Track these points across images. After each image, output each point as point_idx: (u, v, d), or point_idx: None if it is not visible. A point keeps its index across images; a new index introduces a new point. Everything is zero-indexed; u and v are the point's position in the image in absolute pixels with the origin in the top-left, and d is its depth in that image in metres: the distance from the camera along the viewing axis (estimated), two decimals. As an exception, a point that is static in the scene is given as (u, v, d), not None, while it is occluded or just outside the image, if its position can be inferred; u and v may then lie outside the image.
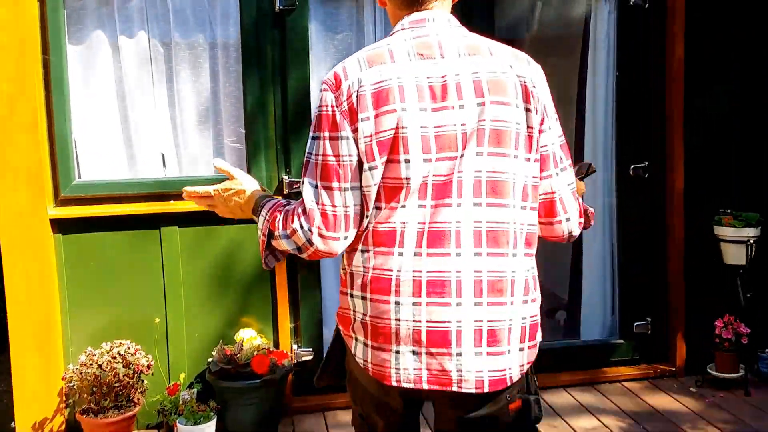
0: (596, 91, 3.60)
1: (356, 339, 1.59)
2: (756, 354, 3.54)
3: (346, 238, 1.54)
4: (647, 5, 3.45)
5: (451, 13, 1.61)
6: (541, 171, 1.57)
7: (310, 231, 1.53)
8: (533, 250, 1.60)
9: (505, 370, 1.53)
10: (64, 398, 3.11)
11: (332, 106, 1.52)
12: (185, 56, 3.29)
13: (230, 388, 3.08)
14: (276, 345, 3.34)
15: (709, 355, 3.49)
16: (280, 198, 1.68)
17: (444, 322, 1.51)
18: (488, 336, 1.52)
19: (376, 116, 1.49)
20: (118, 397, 3.02)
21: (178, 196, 3.20)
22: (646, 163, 3.55)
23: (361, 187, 1.52)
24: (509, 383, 1.55)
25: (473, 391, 1.52)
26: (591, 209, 1.74)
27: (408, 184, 1.49)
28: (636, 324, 3.62)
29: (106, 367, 2.99)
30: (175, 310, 3.26)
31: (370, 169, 1.50)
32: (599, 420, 3.22)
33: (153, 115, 3.30)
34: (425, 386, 1.53)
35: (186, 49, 3.28)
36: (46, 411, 3.11)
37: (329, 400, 3.38)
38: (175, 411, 3.03)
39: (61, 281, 3.16)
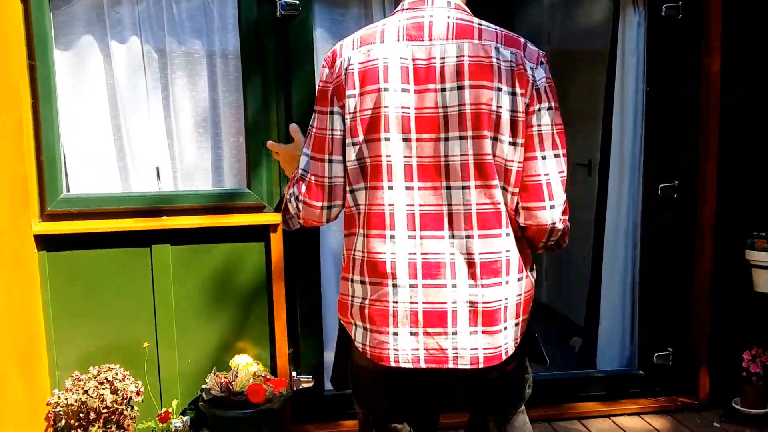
0: (624, 106, 3.36)
1: (355, 324, 1.64)
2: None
3: (329, 207, 1.64)
4: (680, 16, 3.22)
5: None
6: (527, 152, 1.56)
7: (298, 199, 1.66)
8: (521, 232, 1.63)
9: (500, 346, 1.59)
10: (51, 422, 2.93)
11: (327, 82, 1.61)
12: (181, 64, 3.09)
13: (224, 417, 2.89)
14: (273, 371, 3.15)
15: (735, 388, 3.27)
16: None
17: (440, 303, 1.56)
18: (483, 316, 1.56)
19: (361, 94, 1.55)
20: (107, 423, 2.85)
21: (172, 212, 3.04)
22: (676, 182, 3.32)
23: (344, 161, 1.59)
24: (504, 358, 1.60)
25: (468, 367, 1.58)
26: (568, 225, 1.70)
27: (389, 162, 1.55)
28: (657, 354, 3.39)
29: (93, 394, 2.82)
30: (167, 333, 3.07)
31: (353, 144, 1.57)
32: (617, 458, 3.02)
33: (147, 125, 3.11)
34: (423, 365, 1.58)
35: (182, 56, 3.09)
36: (30, 438, 2.93)
37: (331, 429, 3.18)
38: (166, 441, 2.85)
39: (46, 301, 2.98)
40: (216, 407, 2.91)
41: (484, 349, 1.57)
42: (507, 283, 1.58)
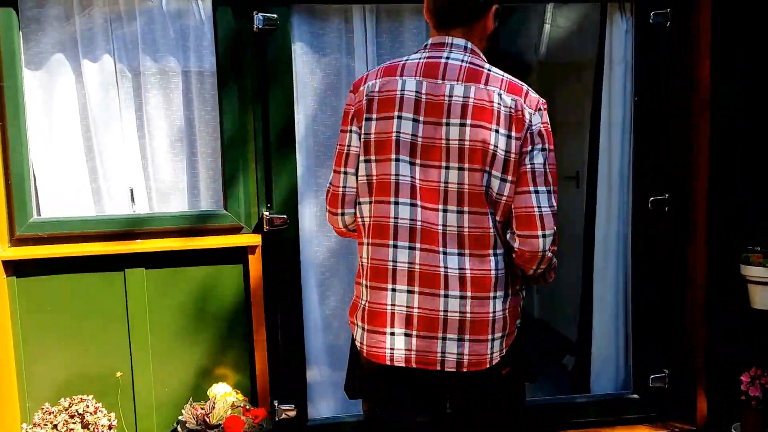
0: (612, 117, 3.25)
1: (357, 325, 1.84)
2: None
3: (343, 214, 1.87)
4: (669, 23, 3.12)
5: (484, 40, 1.85)
6: (520, 186, 1.74)
7: (325, 207, 1.96)
8: (506, 250, 1.79)
9: (485, 355, 1.76)
10: (22, 455, 2.81)
11: (350, 105, 1.84)
12: (156, 82, 2.98)
13: (201, 449, 2.77)
14: (254, 399, 3.02)
15: (734, 412, 3.14)
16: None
17: (433, 310, 1.75)
18: (471, 326, 1.74)
19: (378, 119, 1.78)
20: (79, 456, 2.72)
21: (147, 235, 2.93)
22: (667, 195, 3.21)
23: (357, 174, 1.82)
24: (488, 365, 1.77)
25: (453, 370, 1.76)
26: (555, 261, 1.90)
27: (397, 180, 1.76)
28: (652, 377, 3.27)
29: (62, 429, 2.70)
30: (142, 361, 2.94)
31: (366, 161, 1.79)
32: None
33: (120, 145, 3.00)
34: (414, 365, 1.76)
35: (157, 74, 2.98)
36: (-4, 475, 2.80)
37: (313, 460, 3.06)
38: (139, 477, 2.72)
39: (16, 329, 2.86)
40: (193, 439, 2.78)
41: (469, 355, 1.75)
42: (495, 298, 1.75)
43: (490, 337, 1.75)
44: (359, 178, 1.81)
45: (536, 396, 3.34)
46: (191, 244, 2.93)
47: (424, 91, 1.75)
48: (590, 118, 3.41)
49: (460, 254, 1.73)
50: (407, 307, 1.75)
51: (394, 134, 1.75)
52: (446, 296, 1.73)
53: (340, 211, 1.86)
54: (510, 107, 1.72)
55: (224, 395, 2.86)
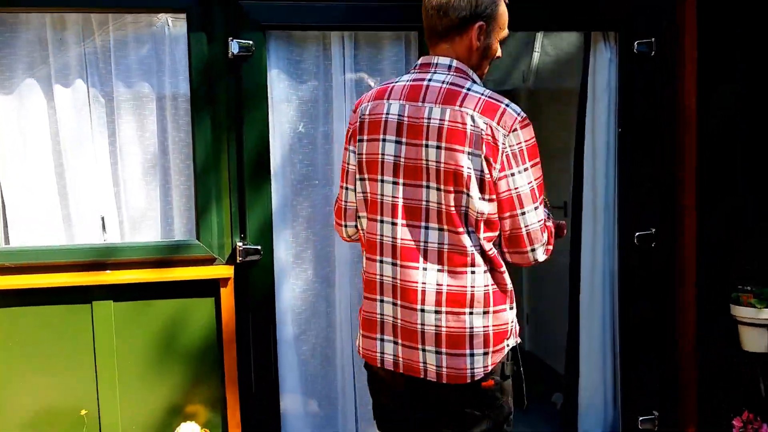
0: (596, 148, 3.15)
1: (359, 330, 1.97)
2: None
3: (346, 226, 2.02)
4: (653, 53, 3.04)
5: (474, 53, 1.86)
6: (505, 211, 1.80)
7: (334, 217, 2.10)
8: (492, 268, 1.84)
9: (464, 369, 1.80)
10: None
11: (351, 124, 1.95)
12: (129, 108, 2.91)
13: (167, 491, 2.65)
14: (225, 437, 2.91)
15: (727, 457, 3.01)
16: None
17: (412, 323, 1.83)
18: (447, 339, 1.80)
19: (368, 140, 1.88)
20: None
21: (116, 265, 2.84)
22: (653, 230, 3.11)
23: (355, 190, 1.94)
24: (469, 380, 1.80)
25: (434, 380, 1.83)
26: (563, 221, 2.03)
27: (381, 200, 1.85)
28: (641, 419, 3.14)
29: (21, 468, 2.59)
30: (109, 398, 2.84)
31: (360, 179, 1.91)
32: None
33: (92, 172, 2.92)
34: (401, 370, 1.86)
35: (131, 100, 2.91)
36: None
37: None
38: None
39: (-22, 363, 2.76)
40: (159, 480, 2.67)
41: (447, 368, 1.80)
42: (471, 314, 1.80)
43: (468, 351, 1.80)
44: (357, 195, 1.93)
45: (524, 433, 3.22)
46: (161, 275, 2.83)
47: (406, 114, 1.82)
48: (574, 148, 3.32)
49: (439, 270, 1.80)
50: (393, 317, 1.86)
51: (379, 156, 1.84)
52: (422, 310, 1.81)
53: (343, 222, 2.02)
54: (481, 129, 1.75)
55: (192, 434, 2.74)
